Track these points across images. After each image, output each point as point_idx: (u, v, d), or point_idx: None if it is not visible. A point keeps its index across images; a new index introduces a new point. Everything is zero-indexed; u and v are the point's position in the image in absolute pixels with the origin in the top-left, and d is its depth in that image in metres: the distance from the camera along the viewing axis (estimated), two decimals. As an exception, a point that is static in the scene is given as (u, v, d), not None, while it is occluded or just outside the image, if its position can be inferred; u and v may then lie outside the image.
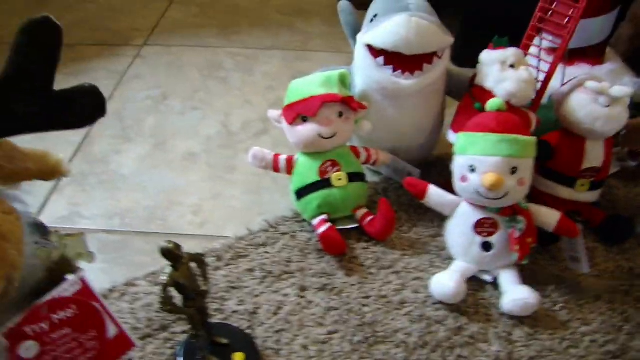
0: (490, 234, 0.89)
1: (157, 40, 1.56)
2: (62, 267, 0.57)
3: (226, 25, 1.63)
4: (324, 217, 0.97)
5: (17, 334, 0.51)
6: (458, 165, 0.89)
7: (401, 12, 0.95)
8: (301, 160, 0.99)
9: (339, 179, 0.97)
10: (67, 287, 0.54)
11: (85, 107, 0.57)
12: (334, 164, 0.97)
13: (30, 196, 1.06)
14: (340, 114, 0.96)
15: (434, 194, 0.93)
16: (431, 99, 1.04)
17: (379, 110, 1.02)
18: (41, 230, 0.62)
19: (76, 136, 1.21)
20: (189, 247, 0.91)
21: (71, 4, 1.71)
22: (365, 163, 1.04)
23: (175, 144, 1.21)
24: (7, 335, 0.51)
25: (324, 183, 0.97)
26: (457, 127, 0.98)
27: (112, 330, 0.57)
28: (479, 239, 0.90)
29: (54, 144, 1.18)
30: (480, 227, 0.90)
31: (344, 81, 0.99)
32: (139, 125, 1.26)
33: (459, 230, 0.92)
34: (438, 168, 1.11)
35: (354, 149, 1.02)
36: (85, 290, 0.55)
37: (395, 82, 0.98)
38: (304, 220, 1.01)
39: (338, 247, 0.95)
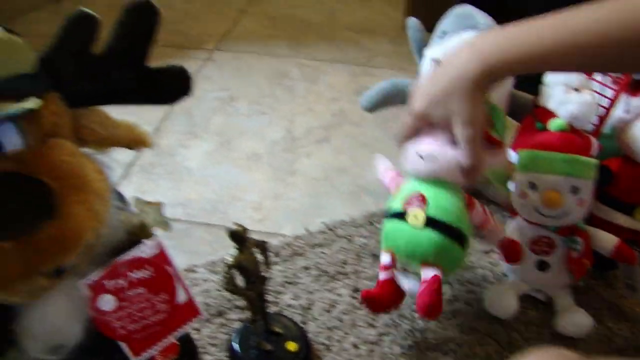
0: (546, 253, 0.90)
1: (228, 46, 1.62)
2: (140, 232, 0.60)
3: (295, 38, 1.68)
4: (386, 260, 0.82)
5: (98, 286, 0.55)
6: (518, 182, 0.90)
7: (470, 30, 0.97)
8: (406, 184, 0.86)
9: (414, 216, 0.79)
10: (147, 250, 0.58)
11: (173, 85, 0.61)
12: (422, 199, 0.80)
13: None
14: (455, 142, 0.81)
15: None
16: None
17: None
18: (120, 197, 0.66)
19: (147, 128, 1.26)
20: (248, 240, 0.94)
21: (149, 8, 1.79)
22: (478, 227, 0.85)
23: (240, 144, 1.25)
24: (89, 287, 0.54)
25: (400, 215, 0.81)
26: (518, 146, 0.99)
27: (181, 296, 0.60)
28: (534, 257, 0.90)
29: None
30: (537, 245, 0.90)
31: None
32: (206, 123, 1.31)
33: (515, 247, 0.92)
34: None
35: (469, 200, 0.84)
36: (162, 255, 0.59)
37: None
38: (361, 226, 1.03)
39: (379, 306, 0.81)
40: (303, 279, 0.94)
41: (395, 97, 1.10)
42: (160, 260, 0.58)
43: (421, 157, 0.80)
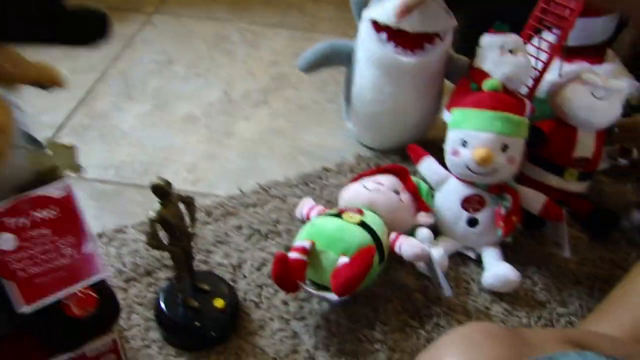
0: (476, 210, 0.91)
1: (167, 9, 1.58)
2: (50, 174, 0.58)
3: (237, 2, 1.65)
4: (306, 244, 0.80)
5: (-3, 223, 0.53)
6: (450, 139, 0.91)
7: None
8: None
9: (350, 216, 0.84)
10: (53, 190, 0.56)
11: (89, 27, 0.59)
12: (359, 211, 0.86)
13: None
14: (396, 192, 0.91)
15: (428, 162, 0.95)
16: (429, 80, 1.06)
17: (377, 85, 1.04)
18: (34, 141, 0.64)
19: (79, 91, 1.23)
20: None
21: (86, -30, 1.74)
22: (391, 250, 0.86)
23: (176, 107, 1.23)
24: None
25: (335, 214, 0.85)
26: (452, 106, 1.00)
27: (88, 247, 0.58)
28: (465, 215, 0.91)
29: (58, 96, 1.21)
30: (468, 203, 0.91)
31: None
32: (142, 86, 1.28)
33: (447, 205, 0.93)
34: (433, 149, 1.12)
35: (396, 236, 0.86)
36: (70, 197, 0.57)
37: (396, 58, 1.00)
38: (295, 186, 1.03)
39: (289, 282, 0.78)
40: (234, 238, 0.93)
41: (333, 59, 1.10)
42: (67, 201, 0.56)
43: (366, 188, 0.89)
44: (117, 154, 1.09)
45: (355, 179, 0.96)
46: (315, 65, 1.10)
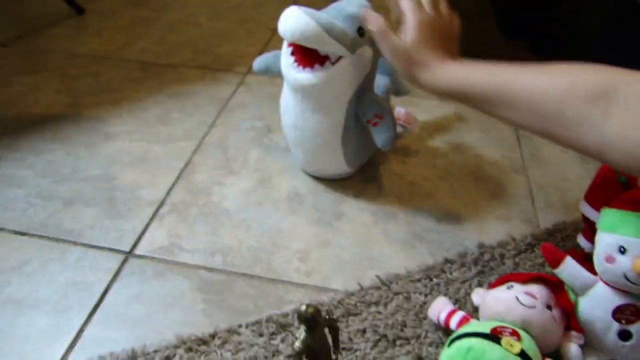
0: (630, 322, 0.81)
1: (259, 68, 1.53)
2: None
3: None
4: None
5: None
6: (604, 243, 0.82)
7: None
8: (476, 320, 0.86)
9: (511, 345, 0.76)
10: None
11: None
12: (514, 333, 0.78)
13: (129, 222, 1.03)
14: (549, 307, 0.83)
15: (570, 266, 0.85)
16: (327, 108, 1.04)
17: (285, 99, 1.10)
18: None
19: (178, 162, 1.18)
20: (296, 296, 0.87)
21: (175, 26, 1.71)
22: None
23: (280, 182, 1.16)
24: None
25: (491, 337, 0.77)
26: (593, 199, 0.91)
27: None
28: (616, 326, 0.82)
29: (156, 167, 1.16)
30: (620, 313, 0.82)
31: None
32: (242, 157, 1.22)
33: (595, 314, 0.84)
34: (562, 234, 1.04)
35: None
36: None
37: (291, 72, 1.01)
38: (418, 280, 0.94)
39: None
40: (360, 344, 0.85)
41: (274, 67, 1.13)
42: None
43: (520, 301, 0.81)
44: (223, 237, 1.02)
45: (499, 283, 0.87)
46: (263, 70, 1.16)
